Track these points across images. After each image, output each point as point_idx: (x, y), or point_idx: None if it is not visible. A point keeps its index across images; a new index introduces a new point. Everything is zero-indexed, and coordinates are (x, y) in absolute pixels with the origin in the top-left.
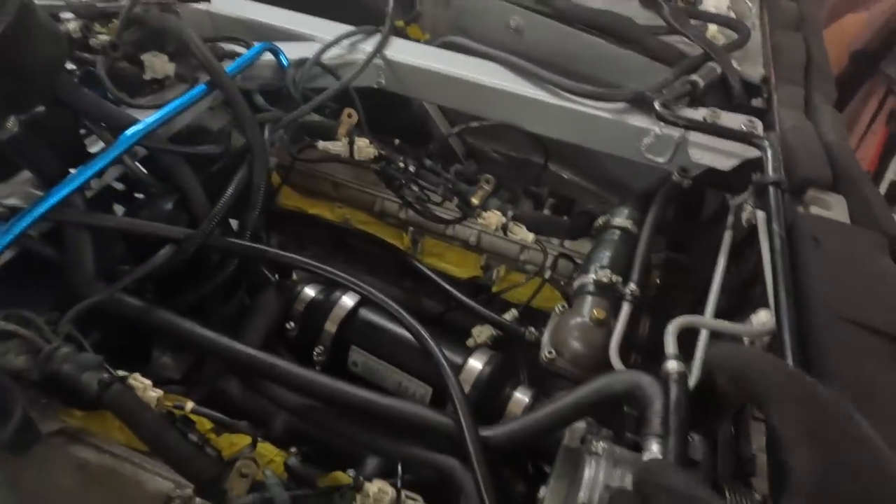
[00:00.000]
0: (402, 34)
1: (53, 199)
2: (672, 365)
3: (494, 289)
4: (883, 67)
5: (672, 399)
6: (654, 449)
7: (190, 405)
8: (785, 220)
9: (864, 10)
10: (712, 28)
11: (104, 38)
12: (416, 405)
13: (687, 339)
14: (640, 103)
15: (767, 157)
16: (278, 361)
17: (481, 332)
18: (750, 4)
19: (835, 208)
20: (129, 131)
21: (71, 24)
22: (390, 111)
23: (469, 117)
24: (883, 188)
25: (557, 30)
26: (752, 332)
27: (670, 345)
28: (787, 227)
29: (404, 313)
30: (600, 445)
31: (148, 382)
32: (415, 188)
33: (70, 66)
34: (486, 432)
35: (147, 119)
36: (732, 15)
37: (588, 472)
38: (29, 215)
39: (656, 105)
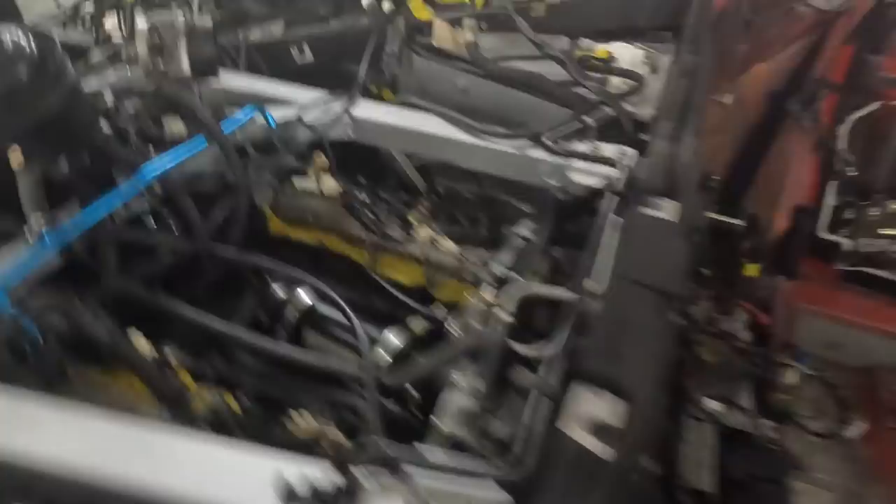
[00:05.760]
0: (376, 97)
1: (95, 214)
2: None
3: (435, 294)
4: (790, 107)
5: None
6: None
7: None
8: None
9: (771, 60)
10: (616, 79)
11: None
12: (331, 357)
13: None
14: (537, 140)
15: (619, 176)
16: (236, 329)
17: (416, 324)
18: (664, 59)
19: (664, 209)
20: (146, 171)
21: (108, 96)
22: (369, 159)
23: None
24: (826, 213)
25: (492, 87)
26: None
27: (509, 303)
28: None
29: (337, 298)
30: (461, 378)
31: (140, 335)
32: (370, 215)
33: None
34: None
35: (159, 164)
36: (648, 68)
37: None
38: (73, 227)
39: (545, 140)
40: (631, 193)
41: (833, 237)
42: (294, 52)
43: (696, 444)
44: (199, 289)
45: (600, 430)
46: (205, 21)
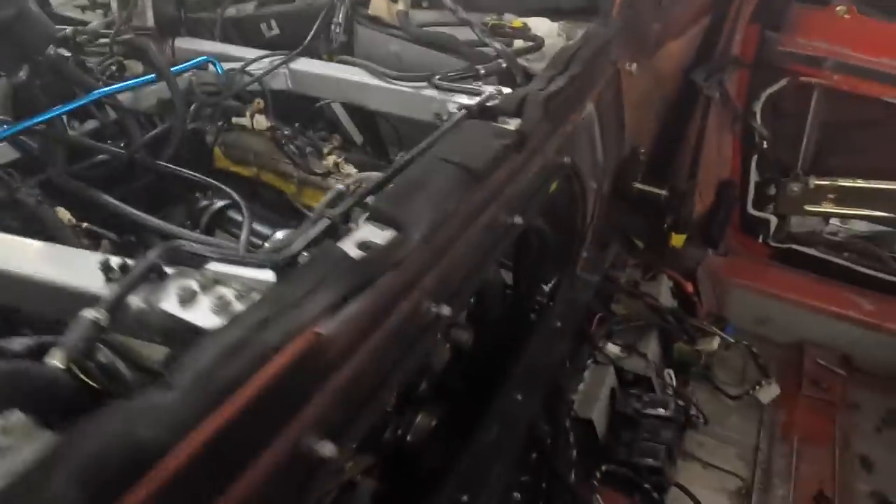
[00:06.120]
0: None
1: (44, 116)
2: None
3: None
4: (693, 77)
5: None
6: None
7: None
8: None
9: (682, 38)
10: (518, 41)
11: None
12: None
13: None
14: (430, 81)
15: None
16: (130, 210)
17: None
18: (580, 31)
19: (509, 124)
20: (97, 91)
21: (68, 29)
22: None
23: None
24: (751, 190)
25: (417, 50)
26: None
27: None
28: None
29: (240, 199)
30: None
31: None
32: (294, 149)
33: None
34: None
35: (109, 87)
36: (564, 38)
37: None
38: (28, 122)
39: (433, 81)
40: (477, 110)
41: (761, 214)
42: (263, 26)
43: (592, 382)
44: (138, 192)
45: (365, 247)
46: None
